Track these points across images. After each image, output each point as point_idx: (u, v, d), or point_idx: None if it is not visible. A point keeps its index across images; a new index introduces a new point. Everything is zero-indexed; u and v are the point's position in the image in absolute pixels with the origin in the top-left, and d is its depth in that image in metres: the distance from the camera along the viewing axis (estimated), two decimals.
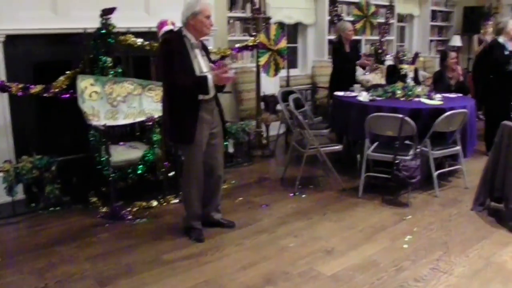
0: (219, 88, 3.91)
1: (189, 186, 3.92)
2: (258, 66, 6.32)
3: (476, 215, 4.53)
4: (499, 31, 6.34)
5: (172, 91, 3.69)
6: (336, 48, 6.78)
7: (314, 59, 8.49)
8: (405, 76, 5.63)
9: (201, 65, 3.75)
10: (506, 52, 6.16)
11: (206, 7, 3.75)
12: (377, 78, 7.54)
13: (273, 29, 6.39)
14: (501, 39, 6.25)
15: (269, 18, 6.90)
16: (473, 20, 10.77)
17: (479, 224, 4.37)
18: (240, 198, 4.95)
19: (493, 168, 4.47)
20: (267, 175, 5.74)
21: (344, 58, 6.59)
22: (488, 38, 8.01)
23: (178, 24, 3.83)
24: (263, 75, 6.42)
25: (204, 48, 3.91)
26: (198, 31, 3.74)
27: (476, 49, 8.45)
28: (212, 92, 3.78)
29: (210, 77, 3.64)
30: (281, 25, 7.56)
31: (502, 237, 4.09)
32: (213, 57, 5.12)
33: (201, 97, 3.72)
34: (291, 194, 5.04)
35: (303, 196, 5.00)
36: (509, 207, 4.25)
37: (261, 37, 6.25)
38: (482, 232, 4.18)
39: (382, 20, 9.57)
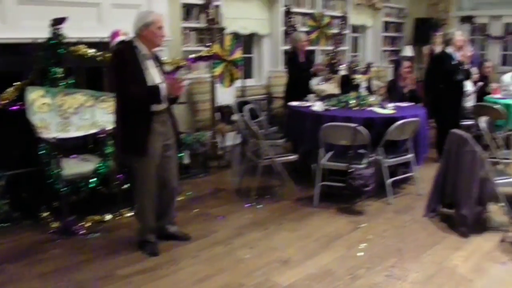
0: (173, 100, 3.88)
1: (142, 199, 3.86)
2: (213, 77, 6.31)
3: (429, 221, 4.64)
4: (447, 42, 6.53)
5: (124, 103, 3.64)
6: (290, 58, 6.84)
7: (269, 69, 8.53)
8: (358, 86, 5.73)
9: (153, 76, 3.71)
10: (454, 62, 6.34)
11: (158, 18, 3.72)
12: (331, 87, 7.63)
13: (227, 40, 6.39)
14: (449, 50, 6.44)
15: (223, 29, 6.92)
16: (423, 31, 11.06)
17: (432, 230, 4.47)
18: (196, 210, 4.90)
19: (444, 175, 4.58)
20: (223, 186, 5.71)
21: (299, 68, 6.65)
22: (438, 48, 8.24)
23: (132, 34, 3.78)
24: (218, 86, 6.40)
25: (157, 59, 3.87)
26: (150, 42, 3.71)
27: (426, 59, 8.68)
28: (165, 103, 3.74)
29: (162, 86, 3.61)
30: (236, 35, 7.59)
31: (453, 242, 4.19)
32: (167, 67, 5.09)
33: (154, 108, 3.68)
34: (247, 205, 5.02)
35: (259, 206, 5.00)
36: (460, 212, 4.36)
37: (216, 48, 6.24)
38: (435, 238, 4.27)
39: (336, 30, 9.72)
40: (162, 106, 3.73)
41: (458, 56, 6.39)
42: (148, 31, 3.65)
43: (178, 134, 4.11)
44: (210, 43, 6.39)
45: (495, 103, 6.84)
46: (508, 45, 11.21)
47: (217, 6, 7.11)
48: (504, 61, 11.13)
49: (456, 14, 11.54)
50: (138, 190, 3.88)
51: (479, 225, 4.41)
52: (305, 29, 8.85)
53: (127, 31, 4.59)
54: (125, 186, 4.78)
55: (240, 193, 5.36)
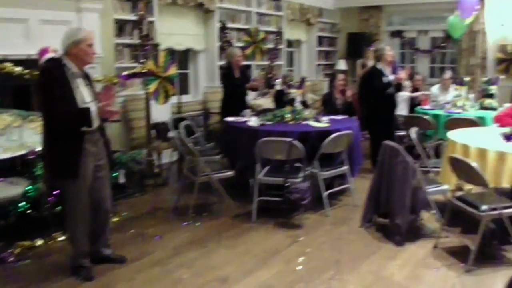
0: (105, 118, 3.78)
1: (74, 222, 3.72)
2: (147, 94, 6.21)
3: (365, 232, 4.72)
4: (378, 58, 6.72)
5: (53, 123, 3.50)
6: (225, 73, 6.84)
7: (205, 85, 8.51)
8: (293, 100, 5.78)
9: (84, 95, 3.59)
10: (385, 78, 6.53)
11: (88, 35, 3.62)
12: (267, 102, 7.70)
13: (162, 56, 6.32)
14: (379, 66, 6.63)
15: (158, 45, 6.84)
16: (356, 46, 11.38)
17: (368, 240, 4.55)
18: (132, 231, 4.77)
19: (378, 186, 4.68)
20: (160, 204, 5.60)
21: (234, 83, 6.67)
22: (370, 63, 8.49)
23: (61, 51, 3.65)
24: (153, 103, 6.31)
25: (87, 78, 3.75)
26: (80, 60, 3.60)
27: (359, 73, 8.91)
28: (96, 123, 3.64)
29: (93, 108, 3.51)
30: (171, 51, 7.52)
31: (389, 251, 4.28)
32: (99, 85, 4.96)
33: (84, 128, 3.56)
34: (185, 223, 4.94)
35: (197, 224, 4.93)
36: (394, 222, 4.46)
37: (150, 64, 6.15)
38: (371, 248, 4.35)
39: (271, 45, 9.84)
40: (93, 126, 3.62)
41: (388, 71, 6.59)
42: (78, 49, 3.54)
43: (111, 154, 4.00)
44: (144, 60, 6.28)
45: (425, 114, 7.10)
46: (435, 58, 11.72)
47: (151, 22, 7.03)
48: (432, 73, 11.61)
49: (387, 29, 11.97)
50: (70, 213, 3.73)
51: (413, 233, 4.53)
52: (240, 44, 8.90)
53: (57, 48, 4.45)
54: (57, 209, 4.60)
55: (178, 212, 5.27)
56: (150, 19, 7.05)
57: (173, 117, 6.67)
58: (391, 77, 6.54)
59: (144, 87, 6.29)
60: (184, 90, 8.26)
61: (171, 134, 6.41)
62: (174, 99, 7.07)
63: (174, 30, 7.86)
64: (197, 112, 8.08)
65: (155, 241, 4.53)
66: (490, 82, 7.43)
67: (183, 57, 8.44)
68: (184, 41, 8.14)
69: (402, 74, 6.74)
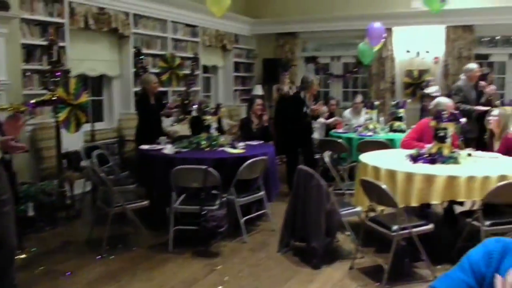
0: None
1: None
2: (57, 122, 5.96)
3: (283, 257, 4.73)
4: (304, 87, 6.88)
5: None
6: (140, 100, 6.73)
7: (120, 112, 8.32)
8: (209, 126, 5.75)
9: None
10: (305, 108, 6.71)
11: None
12: (184, 129, 7.62)
13: (72, 83, 6.10)
14: (303, 94, 6.79)
15: (68, 71, 6.61)
16: (272, 71, 11.58)
17: (286, 264, 4.56)
18: (42, 268, 4.49)
19: (294, 210, 4.73)
20: (72, 237, 5.34)
21: (149, 110, 6.56)
22: (285, 88, 8.67)
23: None
24: (64, 131, 6.06)
25: None
26: None
27: (275, 97, 9.06)
28: None
29: None
30: (83, 77, 7.30)
31: (306, 275, 4.32)
32: (4, 114, 4.70)
33: None
34: (99, 257, 4.73)
35: (112, 257, 4.73)
36: (310, 245, 4.51)
37: (60, 91, 5.92)
38: (289, 273, 4.36)
39: (188, 71, 9.81)
40: None
41: (310, 102, 6.80)
42: None
43: (16, 187, 3.78)
44: (54, 87, 6.05)
45: (339, 137, 7.30)
46: (348, 83, 12.16)
47: (62, 47, 6.82)
48: (346, 97, 12.02)
49: (302, 54, 12.30)
50: None
51: (329, 255, 4.59)
52: (156, 70, 8.81)
53: None
54: None
55: (91, 245, 5.05)
56: (61, 44, 6.83)
57: (85, 145, 6.44)
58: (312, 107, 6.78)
59: (54, 115, 6.03)
60: (98, 117, 8.02)
61: (83, 163, 6.17)
62: (87, 127, 6.83)
63: (87, 56, 7.65)
64: (111, 140, 7.87)
65: (66, 278, 4.28)
66: (398, 106, 7.76)
67: (96, 84, 8.22)
68: (98, 67, 7.93)
69: (321, 107, 7.00)
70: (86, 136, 7.21)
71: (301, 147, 6.93)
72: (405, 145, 5.46)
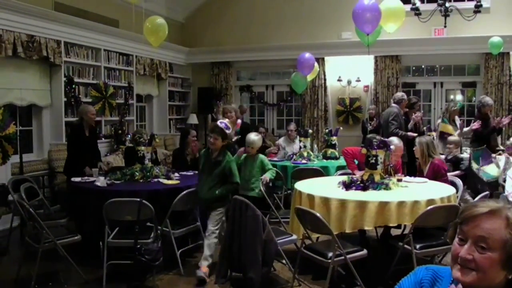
0: None
1: None
2: None
3: None
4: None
5: None
6: (74, 130, 6.55)
7: (51, 142, 8.04)
8: (143, 157, 5.67)
9: None
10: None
11: None
12: (118, 159, 7.47)
13: None
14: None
15: None
16: (207, 100, 11.62)
17: None
18: None
19: (230, 240, 4.70)
20: None
21: (83, 141, 6.40)
22: (220, 117, 8.69)
23: None
24: None
25: None
26: None
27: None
28: None
29: None
30: (11, 107, 7.04)
31: None
32: None
33: None
34: None
35: None
36: (247, 275, 4.49)
37: None
38: None
39: (121, 100, 9.66)
40: None
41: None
42: None
43: None
44: None
45: (274, 165, 7.35)
46: (282, 111, 12.36)
47: None
48: (280, 125, 12.21)
49: (236, 83, 12.43)
50: None
51: (266, 285, 4.60)
52: (88, 100, 8.62)
53: None
54: None
55: (19, 283, 4.79)
56: None
57: (13, 178, 6.16)
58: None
59: None
60: (26, 148, 7.71)
61: (10, 197, 5.89)
62: (14, 158, 6.55)
63: (15, 85, 7.38)
64: (41, 172, 7.57)
65: None
66: (331, 133, 7.94)
67: (25, 113, 7.93)
68: (26, 96, 7.65)
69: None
70: (14, 169, 6.91)
71: None
72: (346, 154, 6.03)
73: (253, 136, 5.88)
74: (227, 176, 5.03)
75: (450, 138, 6.99)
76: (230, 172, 5.02)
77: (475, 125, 7.46)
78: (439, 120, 8.01)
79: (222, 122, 5.97)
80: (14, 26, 7.08)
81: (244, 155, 6.04)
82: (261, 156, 6.01)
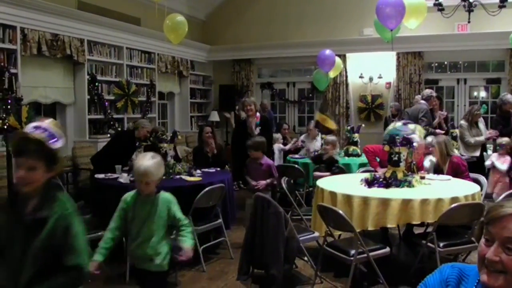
0: None
1: None
2: (8, 151, 5.80)
3: (242, 285, 4.69)
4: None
5: None
6: (126, 136, 6.65)
7: (74, 140, 8.15)
8: (166, 154, 5.70)
9: None
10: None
11: None
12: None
13: (24, 111, 5.98)
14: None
15: (20, 99, 6.47)
16: (228, 97, 11.64)
17: None
18: None
19: (252, 237, 4.70)
20: None
21: (126, 147, 6.44)
22: (242, 114, 8.69)
23: None
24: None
25: None
26: None
27: (232, 123, 9.08)
28: None
29: None
30: (36, 105, 7.13)
31: None
32: None
33: None
34: None
35: None
36: (270, 272, 4.48)
37: (11, 120, 5.78)
38: None
39: (143, 98, 9.75)
40: None
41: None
42: None
43: None
44: (5, 115, 5.90)
45: (295, 162, 7.35)
46: (304, 108, 12.33)
47: (13, 74, 6.67)
48: (301, 122, 12.18)
49: (257, 80, 12.43)
50: None
51: (288, 282, 4.59)
52: (111, 97, 8.72)
53: None
54: None
55: None
56: (13, 71, 6.69)
57: None
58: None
59: (5, 144, 5.87)
60: None
61: None
62: None
63: (40, 83, 7.50)
64: (65, 169, 7.66)
65: None
66: (353, 130, 7.90)
67: (49, 111, 8.05)
68: (51, 94, 7.77)
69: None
70: None
71: None
72: (367, 152, 6.08)
73: (145, 162, 3.31)
74: (56, 254, 2.32)
75: (328, 138, 6.70)
76: (65, 241, 2.32)
77: (492, 133, 7.41)
78: (462, 121, 7.89)
79: (39, 127, 2.57)
80: (39, 25, 7.19)
81: (133, 193, 3.46)
82: (166, 195, 3.54)
